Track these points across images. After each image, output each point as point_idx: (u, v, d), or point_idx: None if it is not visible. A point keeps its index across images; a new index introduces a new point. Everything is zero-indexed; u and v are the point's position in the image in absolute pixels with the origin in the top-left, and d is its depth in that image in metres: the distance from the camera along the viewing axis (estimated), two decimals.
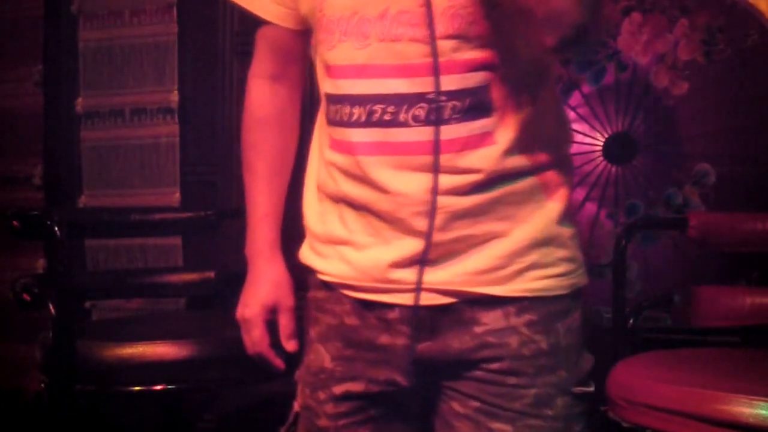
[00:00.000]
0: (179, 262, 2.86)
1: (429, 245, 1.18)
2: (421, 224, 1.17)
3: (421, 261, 1.19)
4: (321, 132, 1.29)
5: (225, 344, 1.92)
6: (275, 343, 1.36)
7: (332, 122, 1.24)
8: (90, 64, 2.98)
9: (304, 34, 1.31)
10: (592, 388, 1.27)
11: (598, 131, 2.48)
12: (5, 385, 2.85)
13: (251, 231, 1.39)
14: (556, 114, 1.30)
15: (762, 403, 1.48)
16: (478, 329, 1.20)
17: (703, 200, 2.37)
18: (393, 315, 1.22)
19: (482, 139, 1.17)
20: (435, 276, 1.19)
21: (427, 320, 1.21)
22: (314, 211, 1.30)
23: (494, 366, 1.21)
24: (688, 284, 2.13)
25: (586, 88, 2.48)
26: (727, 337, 2.14)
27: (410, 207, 1.17)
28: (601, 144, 2.48)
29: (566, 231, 1.25)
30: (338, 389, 1.27)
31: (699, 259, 2.31)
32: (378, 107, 1.17)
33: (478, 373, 1.21)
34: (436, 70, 1.14)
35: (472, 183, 1.17)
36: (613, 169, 2.47)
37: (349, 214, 1.24)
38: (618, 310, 2.08)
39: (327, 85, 1.24)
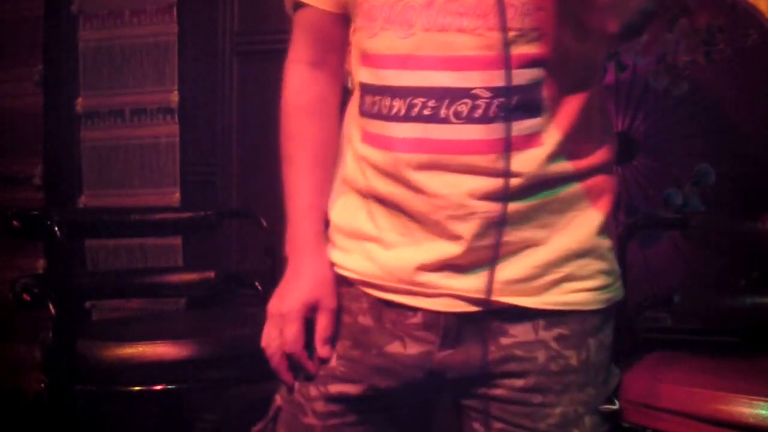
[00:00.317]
0: (179, 262, 2.85)
1: (463, 251, 1.12)
2: (456, 228, 1.12)
3: (452, 266, 1.13)
4: (352, 123, 1.22)
5: (225, 344, 1.93)
6: (308, 344, 1.25)
7: (367, 114, 1.17)
8: (90, 64, 2.97)
9: (343, 19, 1.23)
10: (617, 406, 1.23)
11: None
12: (5, 385, 2.84)
13: (293, 225, 1.27)
14: (603, 115, 1.22)
15: (762, 403, 1.47)
16: (505, 341, 1.15)
17: (703, 200, 2.37)
18: (415, 319, 1.17)
19: (528, 140, 1.10)
20: (464, 282, 1.14)
21: (452, 328, 1.15)
22: (338, 204, 1.24)
23: (518, 383, 1.15)
24: (688, 284, 2.13)
25: None
26: (727, 337, 2.13)
27: (446, 210, 1.12)
28: None
29: (605, 242, 1.19)
30: (334, 389, 1.22)
31: (699, 259, 2.31)
32: (419, 100, 1.10)
33: (501, 392, 1.16)
34: (484, 64, 1.07)
35: (512, 187, 1.10)
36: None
37: (379, 211, 1.18)
38: (618, 310, 2.07)
39: (364, 75, 1.17)
